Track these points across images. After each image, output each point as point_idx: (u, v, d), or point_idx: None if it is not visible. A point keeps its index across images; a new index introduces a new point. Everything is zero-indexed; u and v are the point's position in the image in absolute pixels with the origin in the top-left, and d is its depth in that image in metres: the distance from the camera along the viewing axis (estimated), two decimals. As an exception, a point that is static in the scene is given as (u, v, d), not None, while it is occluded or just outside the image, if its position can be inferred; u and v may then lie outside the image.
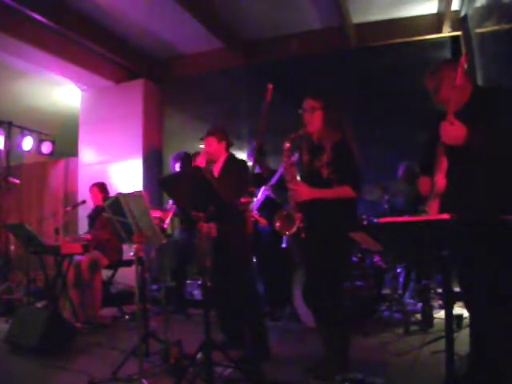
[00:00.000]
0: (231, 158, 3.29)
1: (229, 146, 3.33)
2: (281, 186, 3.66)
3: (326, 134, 2.69)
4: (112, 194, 4.13)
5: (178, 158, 4.83)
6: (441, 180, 2.08)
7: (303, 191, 2.62)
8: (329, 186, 2.61)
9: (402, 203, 4.47)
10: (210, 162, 3.26)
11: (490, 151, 1.96)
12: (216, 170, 3.25)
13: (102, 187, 4.91)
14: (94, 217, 4.84)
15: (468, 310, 2.28)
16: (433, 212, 2.06)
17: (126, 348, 3.10)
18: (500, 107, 2.02)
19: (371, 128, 4.91)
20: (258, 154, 4.25)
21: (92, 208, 5.00)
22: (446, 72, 2.15)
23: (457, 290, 2.26)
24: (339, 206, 2.60)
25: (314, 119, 2.71)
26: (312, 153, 2.76)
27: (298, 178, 2.79)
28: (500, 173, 2.01)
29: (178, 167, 4.78)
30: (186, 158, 4.67)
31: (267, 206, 4.24)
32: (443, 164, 2.08)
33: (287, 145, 2.70)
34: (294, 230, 2.58)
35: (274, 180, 4.30)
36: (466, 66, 2.14)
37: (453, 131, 1.96)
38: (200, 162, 3.19)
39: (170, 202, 4.96)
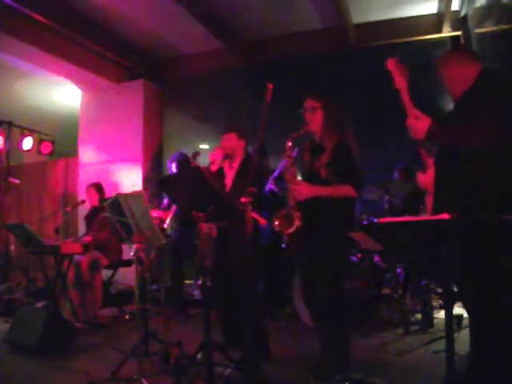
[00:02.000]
0: (249, 160, 3.16)
1: (247, 144, 3.26)
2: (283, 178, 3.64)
3: (327, 135, 2.69)
4: (111, 194, 4.12)
5: (173, 159, 4.85)
6: (428, 177, 2.15)
7: (303, 190, 2.61)
8: (326, 186, 2.61)
9: (401, 203, 4.47)
10: (227, 157, 3.19)
11: (463, 146, 1.98)
12: (233, 169, 3.21)
13: (98, 188, 4.90)
14: (90, 218, 4.83)
15: (466, 310, 2.28)
16: (429, 208, 2.12)
17: (125, 348, 3.09)
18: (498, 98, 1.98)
19: (371, 128, 4.90)
20: (260, 155, 4.24)
21: (88, 209, 4.99)
22: (447, 61, 2.17)
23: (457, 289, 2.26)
24: (338, 205, 2.60)
25: (314, 119, 2.72)
26: (313, 153, 2.76)
27: (299, 177, 2.79)
28: (483, 169, 2.00)
29: (174, 167, 4.79)
30: (182, 159, 4.69)
31: (269, 203, 4.23)
32: (429, 162, 2.14)
33: (289, 144, 2.70)
34: (293, 229, 2.58)
35: (276, 172, 4.30)
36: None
37: (415, 125, 2.04)
38: (216, 156, 3.11)
39: (165, 200, 5.00)
